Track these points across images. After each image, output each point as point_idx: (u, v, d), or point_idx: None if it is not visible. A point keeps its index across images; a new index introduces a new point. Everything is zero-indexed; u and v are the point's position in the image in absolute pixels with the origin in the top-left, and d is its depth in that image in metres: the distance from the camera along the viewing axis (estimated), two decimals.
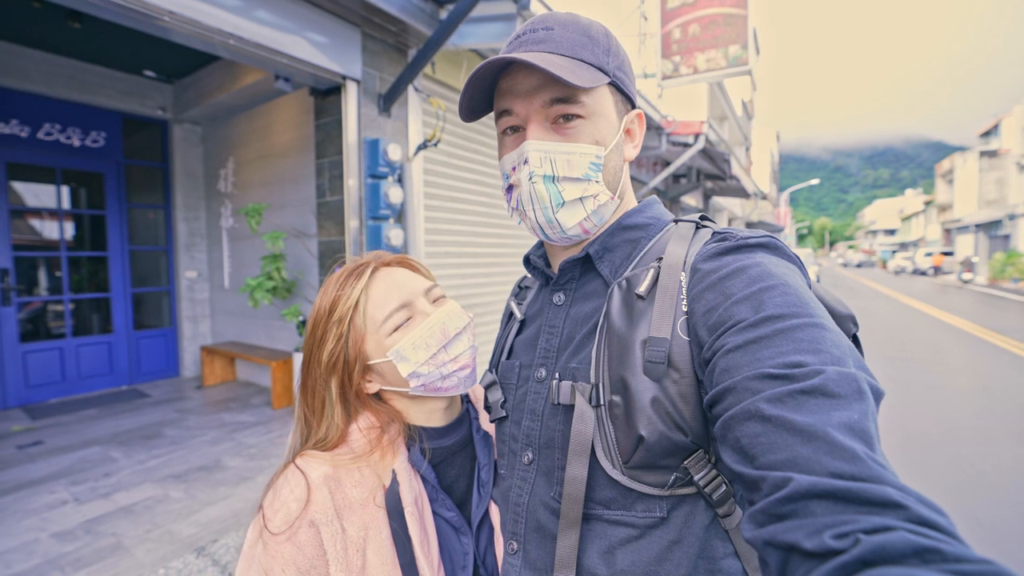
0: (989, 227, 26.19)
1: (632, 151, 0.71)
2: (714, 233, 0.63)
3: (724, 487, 0.57)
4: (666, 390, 0.55)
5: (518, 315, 0.80)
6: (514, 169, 0.68)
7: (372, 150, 3.61)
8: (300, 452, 0.70)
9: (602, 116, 0.66)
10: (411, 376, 0.71)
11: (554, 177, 0.65)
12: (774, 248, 0.60)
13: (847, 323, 0.68)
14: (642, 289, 0.60)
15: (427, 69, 3.96)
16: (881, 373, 6.40)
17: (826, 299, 0.68)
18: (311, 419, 0.73)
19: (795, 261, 0.60)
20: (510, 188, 0.70)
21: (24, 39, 4.12)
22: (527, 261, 0.80)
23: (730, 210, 17.86)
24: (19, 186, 4.57)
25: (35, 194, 4.69)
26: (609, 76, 0.65)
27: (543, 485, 0.66)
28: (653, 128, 6.62)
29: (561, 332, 0.70)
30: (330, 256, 3.81)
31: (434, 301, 0.76)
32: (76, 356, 4.76)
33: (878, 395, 0.46)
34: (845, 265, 45.22)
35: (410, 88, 3.86)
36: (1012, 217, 23.34)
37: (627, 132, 0.71)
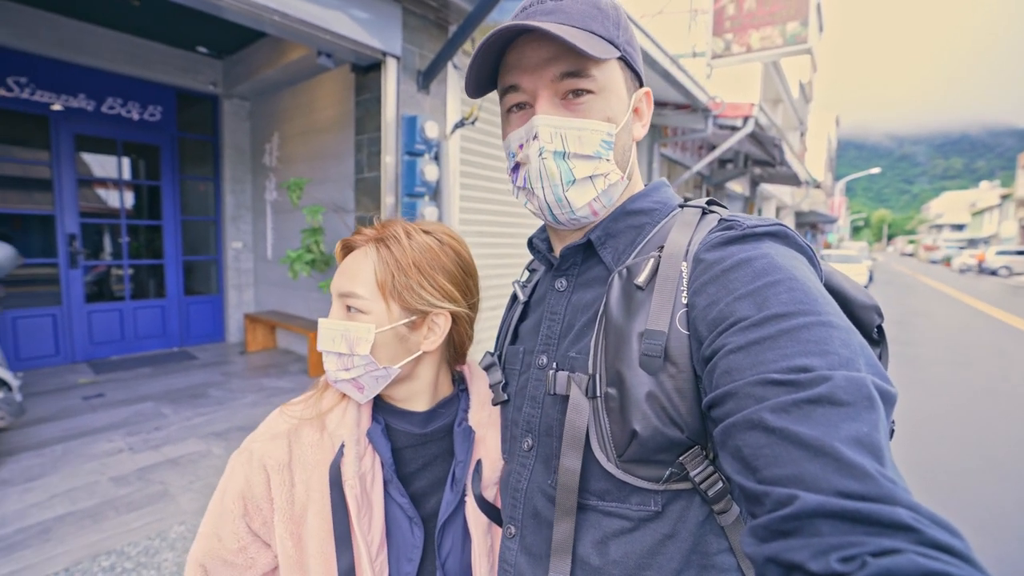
0: None
1: (640, 130, 0.69)
2: (720, 220, 0.60)
3: (720, 484, 0.56)
4: (662, 385, 0.54)
5: (521, 298, 0.78)
6: (521, 147, 0.65)
7: (409, 127, 3.64)
8: (286, 403, 0.75)
9: (613, 92, 0.63)
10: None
11: (565, 153, 0.62)
12: (783, 237, 0.56)
13: (870, 313, 0.65)
14: (641, 279, 0.58)
15: (467, 46, 3.94)
16: (931, 377, 6.07)
17: (846, 288, 0.65)
18: None
19: (806, 251, 0.58)
20: (516, 167, 0.68)
21: (90, 16, 4.35)
22: (531, 244, 0.78)
23: (779, 198, 17.10)
24: (85, 157, 4.88)
25: (99, 165, 5.00)
26: (620, 50, 0.63)
27: (541, 472, 0.66)
28: (700, 110, 6.37)
29: (562, 319, 0.69)
30: None
31: (345, 309, 0.71)
32: (134, 317, 5.10)
33: (889, 399, 0.44)
34: (933, 262, 38.09)
35: (449, 65, 3.86)
36: None
37: (635, 111, 0.68)
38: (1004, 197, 42.07)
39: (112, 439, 3.14)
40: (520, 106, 0.65)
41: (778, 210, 19.43)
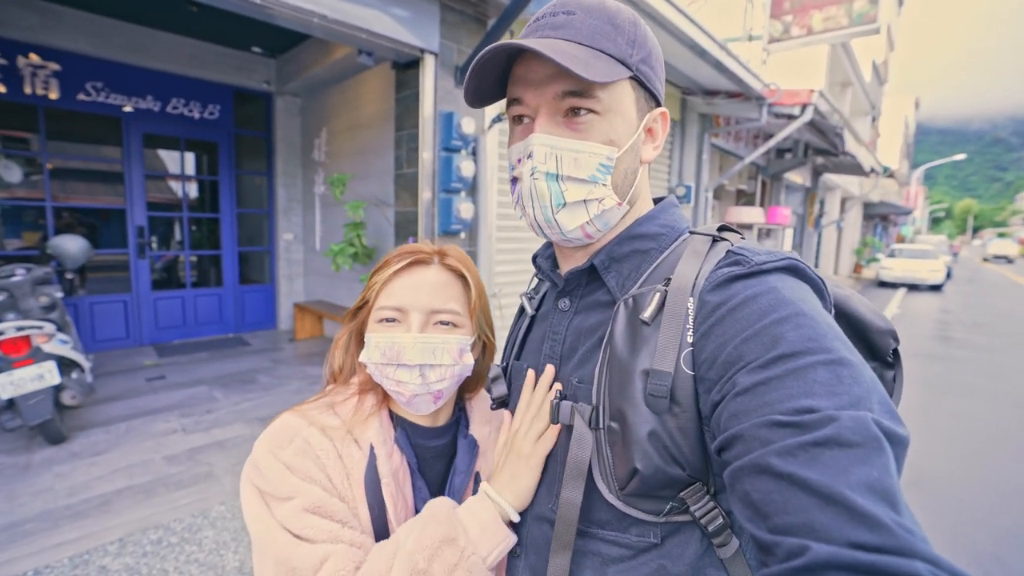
0: None
1: (652, 152, 0.67)
2: (728, 252, 0.58)
3: (720, 519, 0.55)
4: (665, 423, 0.53)
5: (529, 311, 0.78)
6: (519, 161, 0.64)
7: (446, 123, 3.67)
8: (300, 408, 0.76)
9: (618, 114, 0.61)
10: (364, 362, 0.76)
11: (558, 176, 0.61)
12: (792, 270, 0.55)
13: (886, 338, 0.64)
14: (647, 315, 0.57)
15: (506, 36, 3.90)
16: (1014, 388, 5.53)
17: (863, 313, 0.64)
18: (335, 351, 0.81)
19: (815, 283, 0.56)
20: (514, 181, 0.67)
21: (155, 22, 4.64)
22: (534, 261, 0.78)
23: (844, 188, 16.01)
24: (152, 154, 5.24)
25: (164, 161, 5.36)
26: (631, 70, 0.60)
27: (543, 495, 0.67)
28: (753, 98, 6.04)
29: (563, 341, 0.68)
30: (405, 226, 3.98)
31: (435, 324, 0.74)
32: (194, 305, 5.46)
33: (900, 442, 0.42)
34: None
35: None
36: None
37: (648, 132, 0.66)
38: None
39: (168, 420, 3.39)
40: (522, 119, 0.65)
41: (844, 201, 18.22)
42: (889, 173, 14.32)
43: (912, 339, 8.03)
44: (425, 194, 3.75)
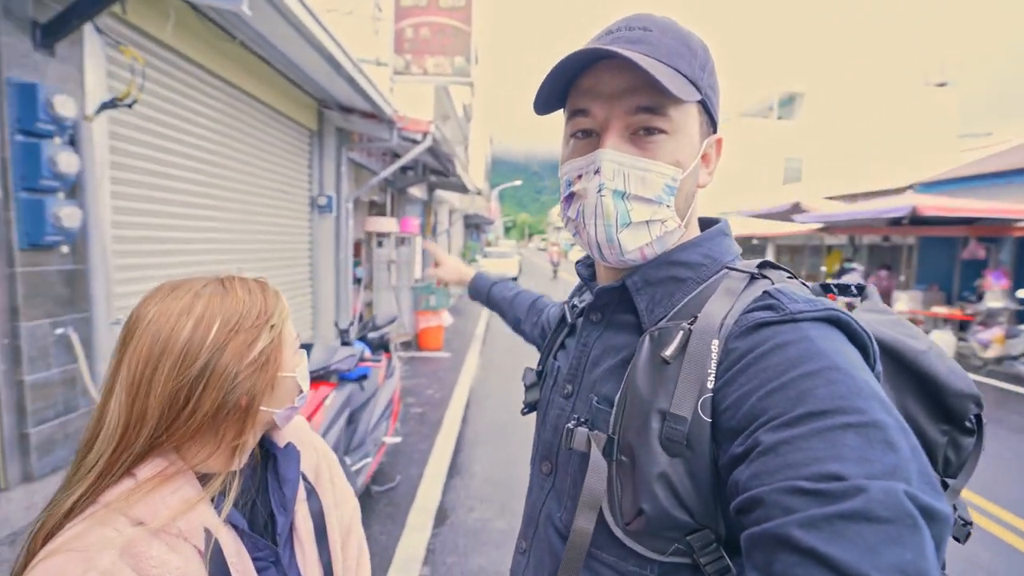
0: None
1: (707, 177, 0.65)
2: (764, 293, 0.54)
3: (726, 568, 0.52)
4: (676, 467, 0.51)
5: (568, 319, 0.77)
6: (579, 177, 0.62)
7: (26, 98, 2.72)
8: (67, 541, 0.57)
9: (686, 135, 0.60)
10: (301, 396, 0.74)
11: (625, 194, 0.59)
12: (833, 322, 0.51)
13: (965, 403, 0.57)
14: (668, 353, 0.53)
15: (116, 9, 3.18)
16: None
17: (937, 371, 0.57)
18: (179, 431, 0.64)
19: (860, 338, 0.51)
20: (570, 197, 0.64)
21: None
22: (577, 266, 0.78)
23: (451, 202, 19.54)
24: None
25: None
26: (701, 93, 0.60)
27: (554, 500, 0.67)
28: (385, 121, 6.78)
29: (590, 352, 0.67)
30: None
31: None
32: None
33: (939, 519, 0.38)
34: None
35: (88, 26, 3.04)
36: None
37: (703, 157, 0.64)
38: None
39: None
40: (587, 133, 0.62)
41: (451, 212, 22.15)
42: (479, 191, 18.41)
43: None
44: None
